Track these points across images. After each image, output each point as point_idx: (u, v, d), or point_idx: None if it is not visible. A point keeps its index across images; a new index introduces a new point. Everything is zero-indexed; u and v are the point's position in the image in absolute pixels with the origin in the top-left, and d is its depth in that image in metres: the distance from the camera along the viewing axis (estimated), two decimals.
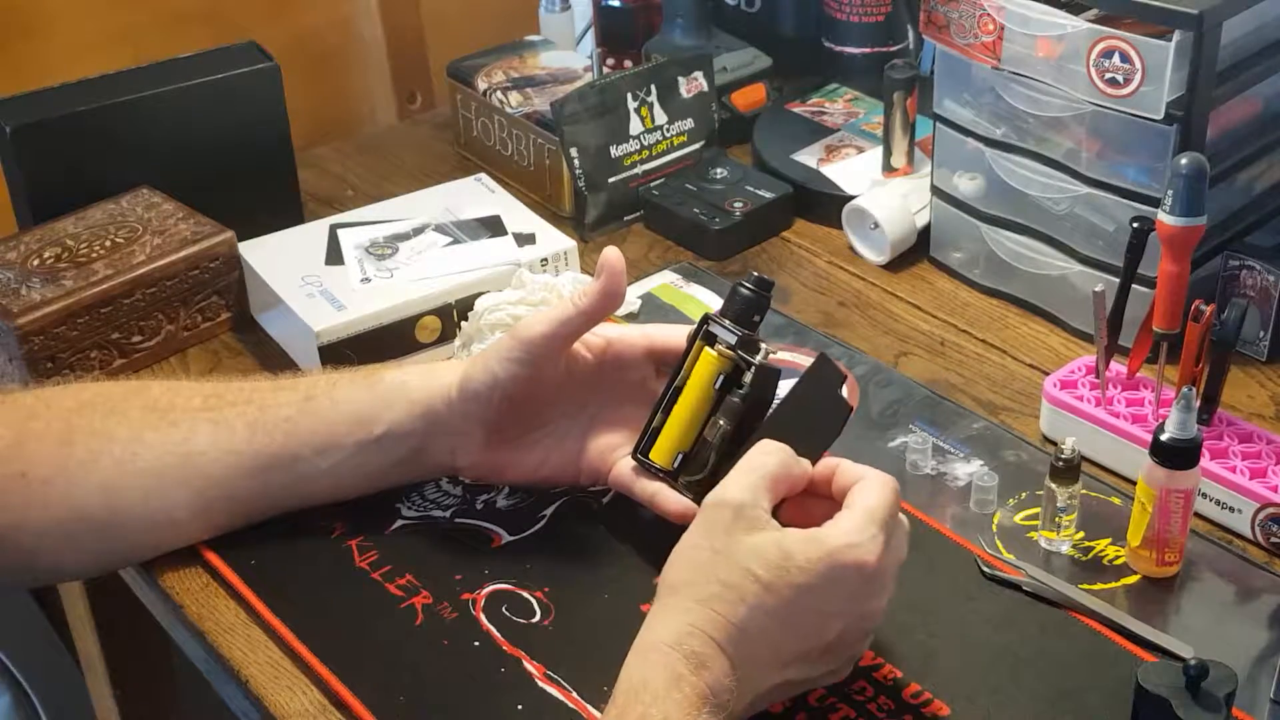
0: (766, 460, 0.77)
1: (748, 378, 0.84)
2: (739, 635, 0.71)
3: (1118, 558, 0.89)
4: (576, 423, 0.90)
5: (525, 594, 0.86)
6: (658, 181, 1.30)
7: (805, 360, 1.09)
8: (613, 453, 0.89)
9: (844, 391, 0.82)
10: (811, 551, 0.72)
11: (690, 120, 1.32)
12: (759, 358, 0.83)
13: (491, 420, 0.87)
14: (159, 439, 0.87)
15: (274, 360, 1.12)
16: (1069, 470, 0.89)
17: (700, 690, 0.70)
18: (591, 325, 0.86)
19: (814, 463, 0.79)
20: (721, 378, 0.85)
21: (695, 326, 0.86)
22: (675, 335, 0.87)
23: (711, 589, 0.72)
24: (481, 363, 0.86)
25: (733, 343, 0.84)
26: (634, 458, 0.87)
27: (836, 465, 0.79)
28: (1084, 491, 0.93)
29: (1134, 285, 0.98)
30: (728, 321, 0.84)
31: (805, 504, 0.78)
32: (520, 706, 0.79)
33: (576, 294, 0.84)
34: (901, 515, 0.77)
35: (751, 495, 0.75)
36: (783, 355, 1.10)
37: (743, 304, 0.84)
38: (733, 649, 0.71)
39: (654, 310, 1.16)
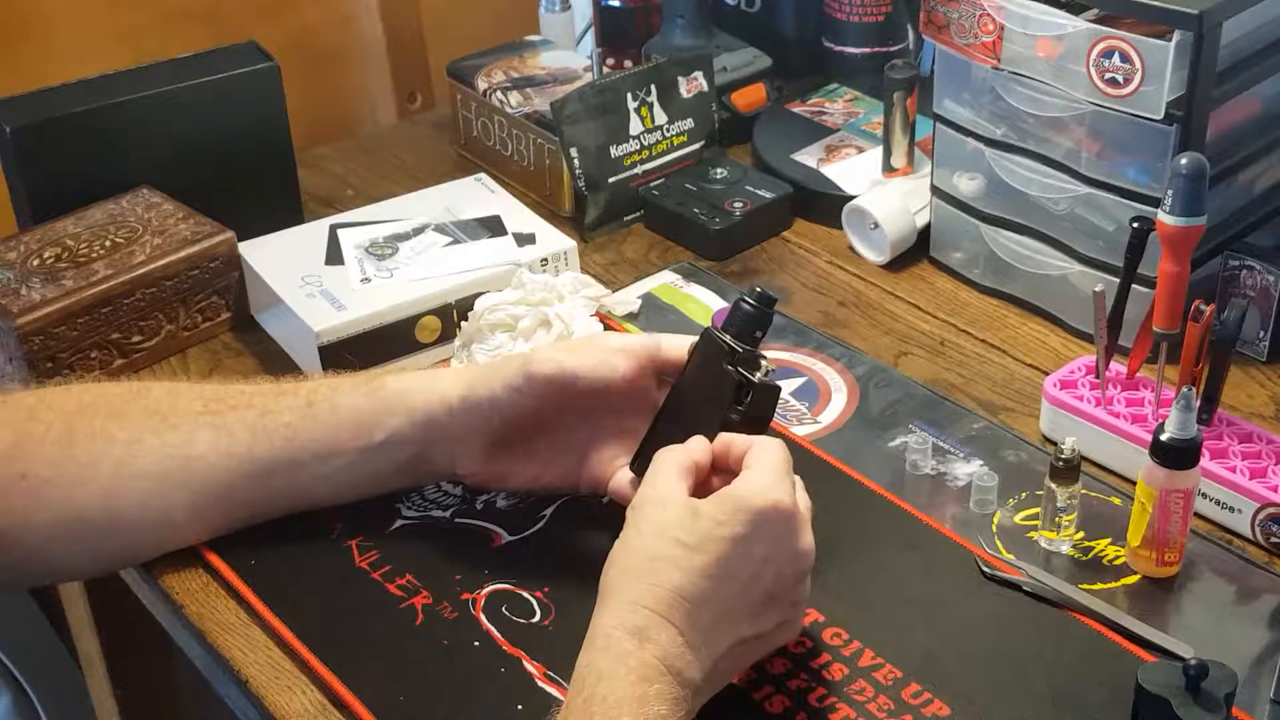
0: (668, 456, 0.79)
1: (748, 395, 0.82)
2: (679, 601, 0.72)
3: (1118, 558, 0.89)
4: (577, 434, 0.90)
5: (525, 594, 0.86)
6: (658, 181, 1.30)
7: (805, 361, 1.10)
8: (612, 463, 0.88)
9: (741, 366, 0.81)
10: (727, 505, 0.74)
11: (690, 120, 1.32)
12: (759, 375, 0.82)
13: (491, 433, 0.87)
14: (159, 442, 0.87)
15: (274, 360, 1.12)
16: (1069, 470, 0.89)
17: (648, 662, 0.70)
18: (600, 386, 0.86)
19: (712, 436, 0.80)
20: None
21: (696, 340, 0.85)
22: (677, 346, 0.86)
23: (643, 567, 0.73)
24: (485, 381, 0.86)
25: (733, 359, 0.82)
26: (632, 470, 0.86)
27: (730, 441, 0.80)
28: (1084, 491, 0.93)
29: (1134, 285, 0.98)
30: (728, 337, 0.83)
31: (709, 483, 0.80)
32: (520, 706, 0.79)
33: (605, 363, 0.85)
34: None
35: (665, 486, 0.77)
36: (782, 356, 1.10)
37: (744, 320, 0.83)
38: (677, 616, 0.72)
39: (654, 310, 1.16)
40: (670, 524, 0.74)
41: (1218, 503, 0.91)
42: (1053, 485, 0.89)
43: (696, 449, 0.79)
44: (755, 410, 0.82)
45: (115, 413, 0.87)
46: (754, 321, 0.83)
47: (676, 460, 0.78)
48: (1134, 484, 0.87)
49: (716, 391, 0.82)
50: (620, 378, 0.85)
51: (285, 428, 0.87)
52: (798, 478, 0.79)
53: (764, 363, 0.82)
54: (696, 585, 0.72)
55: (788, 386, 1.06)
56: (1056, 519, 0.90)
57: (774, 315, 0.83)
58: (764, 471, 0.76)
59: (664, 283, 1.20)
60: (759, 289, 0.83)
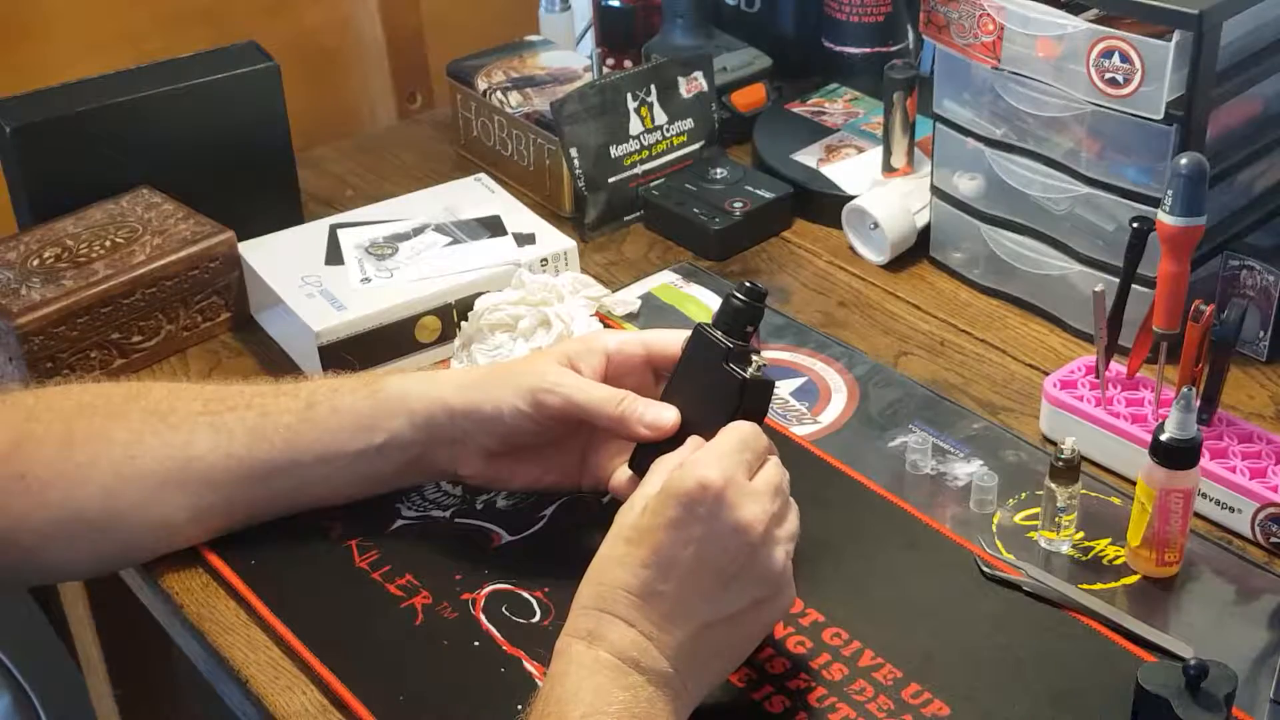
0: (666, 463, 0.78)
1: (741, 392, 0.81)
2: (624, 596, 0.73)
3: (1118, 558, 0.89)
4: (578, 435, 0.90)
5: (525, 594, 0.86)
6: (658, 181, 1.30)
7: (805, 361, 1.10)
8: (613, 461, 0.88)
9: (734, 363, 0.80)
10: (662, 494, 0.74)
11: (690, 120, 1.32)
12: (750, 371, 0.80)
13: (493, 443, 0.87)
14: (159, 443, 0.87)
15: (274, 360, 1.12)
16: (1069, 470, 0.89)
17: (600, 658, 0.71)
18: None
19: (710, 434, 0.79)
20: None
21: (688, 337, 0.84)
22: (672, 342, 0.86)
23: (595, 570, 0.75)
24: (491, 396, 0.85)
25: (726, 357, 0.81)
26: (630, 468, 0.86)
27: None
28: (1084, 491, 0.93)
29: (1134, 285, 0.98)
30: (719, 333, 0.82)
31: None
32: (520, 707, 0.79)
33: (611, 398, 0.84)
34: (772, 456, 0.78)
35: (638, 494, 0.77)
36: (782, 356, 1.10)
37: (734, 315, 0.82)
38: (624, 611, 0.72)
39: (654, 310, 1.16)
40: (624, 525, 0.75)
41: (1218, 503, 0.91)
42: (1053, 485, 0.89)
43: (685, 454, 0.79)
44: (749, 405, 0.81)
45: (115, 413, 0.88)
46: (744, 316, 0.82)
47: (665, 467, 0.78)
48: (1134, 484, 0.87)
49: (711, 389, 0.81)
50: (611, 354, 0.87)
51: (285, 429, 0.87)
52: (774, 457, 0.79)
53: (755, 358, 0.81)
54: (639, 577, 0.73)
55: (787, 386, 1.06)
56: (1056, 519, 0.90)
57: (764, 309, 0.83)
58: (700, 454, 0.76)
59: (664, 283, 1.20)
60: (748, 283, 0.82)
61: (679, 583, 0.73)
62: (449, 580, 0.88)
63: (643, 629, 0.72)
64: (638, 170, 1.29)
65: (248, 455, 0.87)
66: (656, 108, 1.29)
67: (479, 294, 1.09)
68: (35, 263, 1.10)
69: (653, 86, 1.29)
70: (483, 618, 0.85)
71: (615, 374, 0.87)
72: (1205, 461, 0.88)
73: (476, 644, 0.83)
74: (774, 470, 0.78)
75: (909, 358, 1.10)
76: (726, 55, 1.40)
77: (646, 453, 0.83)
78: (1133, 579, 0.88)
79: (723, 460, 0.75)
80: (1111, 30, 0.98)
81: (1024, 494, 0.95)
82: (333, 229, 1.17)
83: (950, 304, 1.17)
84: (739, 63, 1.40)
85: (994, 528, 0.92)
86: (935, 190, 1.18)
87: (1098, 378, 0.98)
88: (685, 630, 0.74)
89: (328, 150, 1.45)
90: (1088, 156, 1.05)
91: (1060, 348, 1.10)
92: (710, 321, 0.83)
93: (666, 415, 0.83)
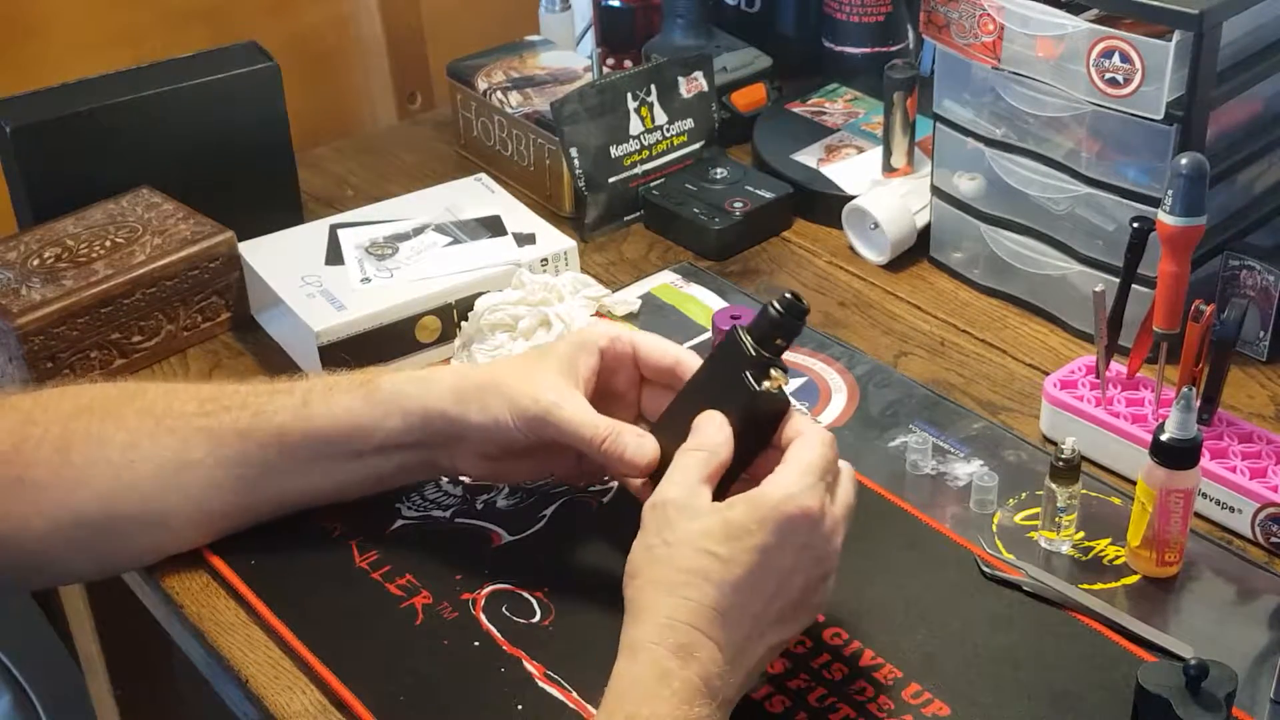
0: (694, 457, 0.77)
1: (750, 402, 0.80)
2: (715, 615, 0.72)
3: (1118, 558, 0.89)
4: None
5: (525, 594, 0.86)
6: (658, 181, 1.30)
7: (806, 361, 1.10)
8: None
9: (751, 373, 0.79)
10: (756, 514, 0.73)
11: (690, 120, 1.32)
12: (765, 385, 0.79)
13: (485, 446, 0.87)
14: (155, 445, 0.86)
15: (274, 360, 1.12)
16: (1069, 470, 0.89)
17: (690, 682, 0.70)
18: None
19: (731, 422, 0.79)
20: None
21: (726, 332, 0.83)
22: (661, 354, 0.86)
23: (677, 579, 0.73)
24: (488, 411, 0.84)
25: (745, 364, 0.80)
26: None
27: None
28: (1084, 491, 0.93)
29: (1134, 285, 0.98)
30: (749, 340, 0.80)
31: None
32: (520, 706, 0.79)
33: (600, 454, 0.82)
34: (843, 463, 0.79)
35: (689, 490, 0.75)
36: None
37: (767, 325, 0.80)
38: (715, 631, 0.72)
39: (654, 310, 1.16)
40: (702, 534, 0.73)
41: (1218, 503, 0.91)
42: (1053, 485, 0.89)
43: (720, 450, 0.78)
44: (756, 419, 0.80)
45: (111, 415, 0.87)
46: (777, 329, 0.80)
47: (700, 463, 0.77)
48: (1134, 484, 0.87)
49: (725, 392, 0.81)
50: (604, 351, 0.86)
51: (279, 430, 0.87)
52: (845, 465, 0.79)
53: (775, 372, 0.80)
54: (730, 599, 0.72)
55: (788, 386, 1.06)
56: (1056, 519, 0.90)
57: (802, 325, 0.80)
58: (794, 474, 0.75)
59: (664, 283, 1.20)
60: (789, 295, 0.80)
61: (762, 607, 0.73)
62: (449, 580, 0.88)
63: (726, 654, 0.72)
64: (638, 170, 1.29)
65: (242, 458, 0.87)
66: (656, 108, 1.29)
67: (479, 294, 1.09)
68: (35, 263, 1.10)
69: (653, 86, 1.29)
70: (483, 618, 0.85)
71: (608, 368, 0.87)
72: (1205, 461, 0.88)
73: (476, 644, 0.83)
74: (850, 489, 0.78)
75: (909, 358, 1.10)
76: (726, 55, 1.40)
77: (660, 440, 0.82)
78: (1133, 579, 0.88)
79: (816, 485, 0.75)
80: (1111, 30, 0.98)
81: (1024, 494, 0.95)
82: (333, 229, 1.17)
83: (950, 304, 1.17)
84: (739, 63, 1.41)
85: (994, 528, 0.92)
86: (935, 190, 1.18)
87: (1098, 378, 0.98)
88: (754, 656, 0.74)
89: (328, 150, 1.45)
90: (1088, 156, 1.05)
91: (1060, 348, 1.10)
92: (748, 325, 0.82)
93: (645, 450, 0.82)
